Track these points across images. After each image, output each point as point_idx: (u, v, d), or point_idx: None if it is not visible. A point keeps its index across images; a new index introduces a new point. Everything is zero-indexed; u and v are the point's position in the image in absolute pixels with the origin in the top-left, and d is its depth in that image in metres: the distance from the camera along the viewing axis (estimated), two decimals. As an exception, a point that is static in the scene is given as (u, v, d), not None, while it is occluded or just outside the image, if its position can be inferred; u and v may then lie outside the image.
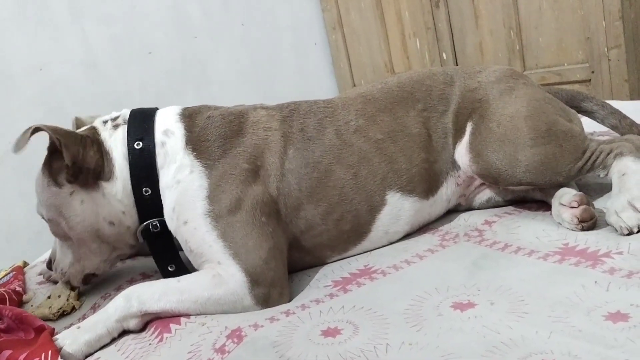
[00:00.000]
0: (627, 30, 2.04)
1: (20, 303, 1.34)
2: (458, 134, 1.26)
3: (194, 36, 2.65)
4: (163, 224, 1.18)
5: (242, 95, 2.72)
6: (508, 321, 0.86)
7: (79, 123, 1.31)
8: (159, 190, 1.17)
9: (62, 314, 1.25)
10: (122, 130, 1.20)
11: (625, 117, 1.35)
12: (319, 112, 1.26)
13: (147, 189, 1.17)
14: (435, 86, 1.30)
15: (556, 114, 1.22)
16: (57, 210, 1.18)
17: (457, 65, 2.53)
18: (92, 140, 1.18)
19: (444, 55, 2.56)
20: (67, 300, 1.26)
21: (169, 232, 1.18)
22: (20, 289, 1.37)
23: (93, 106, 2.36)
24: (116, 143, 1.19)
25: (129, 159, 1.17)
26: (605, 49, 2.08)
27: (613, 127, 1.36)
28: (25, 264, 1.62)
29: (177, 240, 1.19)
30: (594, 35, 2.09)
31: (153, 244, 1.20)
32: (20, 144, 1.10)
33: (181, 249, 1.20)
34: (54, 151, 1.15)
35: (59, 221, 1.20)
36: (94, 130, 1.21)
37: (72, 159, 1.13)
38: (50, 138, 1.13)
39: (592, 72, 2.14)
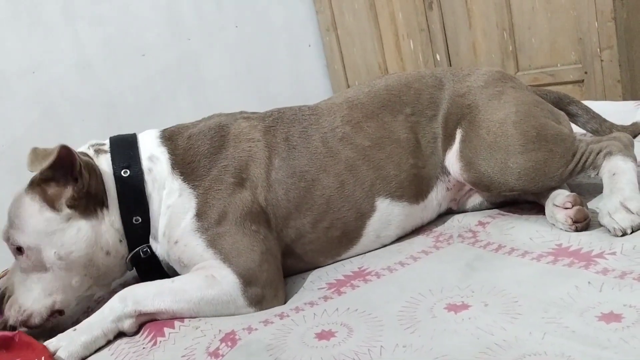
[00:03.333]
0: (620, 31, 2.04)
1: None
2: (448, 140, 1.25)
3: (188, 38, 2.64)
4: (151, 248, 1.18)
5: (236, 97, 2.72)
6: (502, 322, 0.86)
7: None
8: (149, 217, 1.16)
9: None
10: (106, 158, 1.17)
11: (604, 120, 1.37)
12: (304, 119, 1.25)
13: (138, 217, 1.16)
14: (424, 90, 1.29)
15: (545, 117, 1.22)
16: (47, 238, 1.11)
17: (450, 66, 2.53)
18: (93, 166, 1.14)
19: (438, 57, 2.56)
20: None
21: (156, 256, 1.19)
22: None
23: (87, 108, 2.36)
24: (103, 170, 1.16)
25: (117, 187, 1.15)
26: (598, 50, 2.08)
27: (593, 131, 1.38)
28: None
29: (164, 263, 1.20)
30: (586, 36, 2.09)
31: (142, 269, 1.20)
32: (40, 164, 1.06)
33: (170, 269, 1.21)
34: (48, 172, 1.09)
35: (43, 249, 1.11)
36: (85, 154, 1.17)
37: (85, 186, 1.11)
38: (64, 158, 1.07)
39: (585, 72, 2.14)
